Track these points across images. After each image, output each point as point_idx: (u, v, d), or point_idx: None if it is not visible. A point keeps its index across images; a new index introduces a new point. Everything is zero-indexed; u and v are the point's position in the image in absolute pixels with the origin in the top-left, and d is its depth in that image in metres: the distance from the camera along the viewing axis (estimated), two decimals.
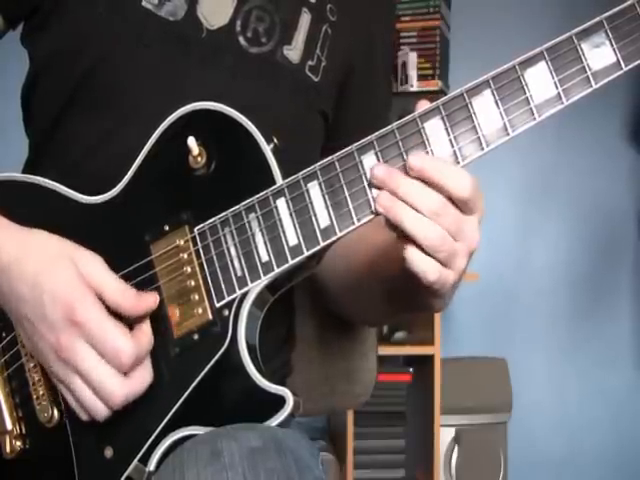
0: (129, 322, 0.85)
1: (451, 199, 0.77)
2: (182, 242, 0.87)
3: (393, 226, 0.79)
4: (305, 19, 1.03)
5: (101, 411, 0.85)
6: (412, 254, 0.77)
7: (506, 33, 2.90)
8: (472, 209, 0.78)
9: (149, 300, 0.85)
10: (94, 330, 0.83)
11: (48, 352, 0.85)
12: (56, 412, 0.91)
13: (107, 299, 0.84)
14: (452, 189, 0.77)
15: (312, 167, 0.82)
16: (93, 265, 0.86)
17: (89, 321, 0.83)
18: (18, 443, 0.93)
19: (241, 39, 1.00)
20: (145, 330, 0.85)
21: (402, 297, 0.89)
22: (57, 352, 0.84)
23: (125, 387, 0.83)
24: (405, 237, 0.78)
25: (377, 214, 0.80)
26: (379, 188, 0.79)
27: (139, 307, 0.85)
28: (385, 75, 1.20)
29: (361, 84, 1.11)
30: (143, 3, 0.97)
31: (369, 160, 0.80)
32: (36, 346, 0.87)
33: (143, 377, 0.85)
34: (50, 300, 0.84)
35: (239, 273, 0.84)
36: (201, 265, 0.86)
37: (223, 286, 0.85)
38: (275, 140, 0.86)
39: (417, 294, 0.83)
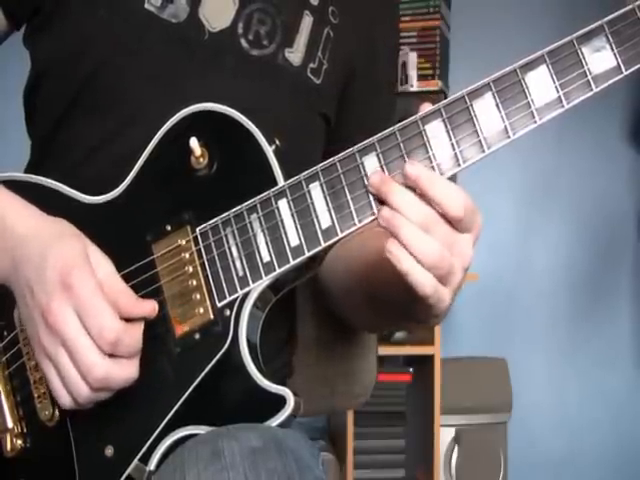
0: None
1: (444, 216, 0.77)
2: (184, 242, 0.87)
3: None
4: (307, 22, 1.04)
5: (82, 389, 0.82)
6: (408, 264, 0.77)
7: (506, 33, 2.90)
8: (466, 228, 0.78)
9: (147, 305, 0.85)
10: (83, 299, 0.81)
11: (38, 319, 0.83)
12: (57, 411, 0.91)
13: (107, 291, 0.83)
14: (446, 206, 0.77)
15: (314, 168, 0.82)
16: (103, 260, 0.86)
17: (81, 288, 0.82)
18: (19, 441, 0.93)
19: (243, 41, 1.00)
20: (137, 325, 0.84)
21: (398, 307, 0.88)
22: (46, 317, 0.82)
23: (106, 364, 0.82)
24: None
25: (371, 221, 0.80)
26: (374, 195, 0.79)
27: (135, 308, 0.84)
28: (388, 77, 1.20)
29: (363, 86, 1.11)
30: (145, 5, 0.98)
31: (370, 162, 0.80)
32: (30, 317, 0.85)
33: (127, 367, 0.83)
34: (53, 262, 0.83)
35: (241, 273, 0.84)
36: (203, 265, 0.86)
37: (225, 286, 0.85)
38: (277, 141, 0.86)
39: (413, 306, 0.82)
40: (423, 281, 0.77)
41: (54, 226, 0.89)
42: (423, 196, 0.77)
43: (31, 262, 0.85)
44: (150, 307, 0.85)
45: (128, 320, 0.84)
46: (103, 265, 0.85)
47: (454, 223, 0.78)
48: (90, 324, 0.81)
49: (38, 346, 0.85)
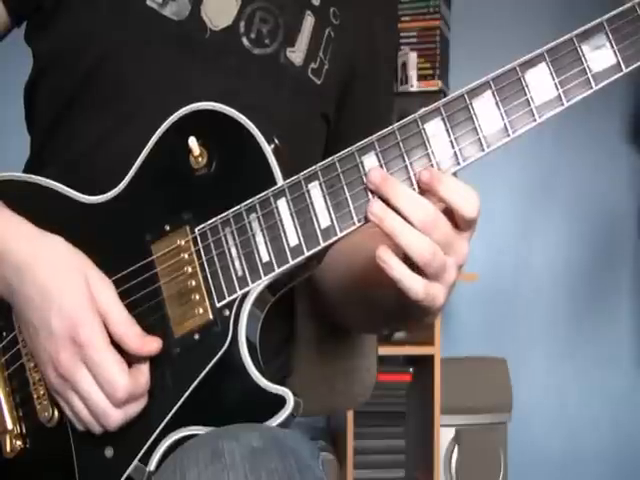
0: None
1: (448, 214, 0.78)
2: (183, 242, 0.87)
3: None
4: (309, 22, 1.03)
5: (97, 428, 0.86)
6: (399, 272, 0.77)
7: (506, 33, 2.90)
8: (472, 227, 0.79)
9: (152, 345, 0.86)
10: (94, 357, 0.84)
11: (47, 363, 0.86)
12: (56, 412, 0.91)
13: (112, 330, 0.85)
14: (461, 209, 0.77)
15: (313, 167, 0.82)
16: (104, 290, 0.86)
17: (91, 346, 0.84)
18: (18, 442, 0.93)
19: (244, 40, 1.00)
20: (143, 370, 0.85)
21: (393, 307, 0.88)
22: (56, 366, 0.85)
23: (121, 415, 0.85)
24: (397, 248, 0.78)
25: (367, 221, 0.80)
26: (373, 192, 0.79)
27: (142, 349, 0.85)
28: (387, 77, 1.20)
29: (363, 86, 1.11)
30: (147, 2, 0.97)
31: (370, 161, 0.80)
32: (37, 353, 0.88)
33: (140, 403, 0.86)
34: (57, 313, 0.84)
35: (240, 273, 0.84)
36: (202, 265, 0.86)
37: (224, 286, 0.85)
38: (276, 141, 0.86)
39: (407, 307, 0.82)
40: (415, 286, 0.77)
41: (47, 253, 0.88)
42: (432, 196, 0.77)
43: (31, 301, 0.87)
44: (155, 345, 0.86)
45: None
46: (104, 293, 0.86)
47: (461, 223, 0.78)
48: (102, 381, 0.84)
49: (48, 382, 0.88)
